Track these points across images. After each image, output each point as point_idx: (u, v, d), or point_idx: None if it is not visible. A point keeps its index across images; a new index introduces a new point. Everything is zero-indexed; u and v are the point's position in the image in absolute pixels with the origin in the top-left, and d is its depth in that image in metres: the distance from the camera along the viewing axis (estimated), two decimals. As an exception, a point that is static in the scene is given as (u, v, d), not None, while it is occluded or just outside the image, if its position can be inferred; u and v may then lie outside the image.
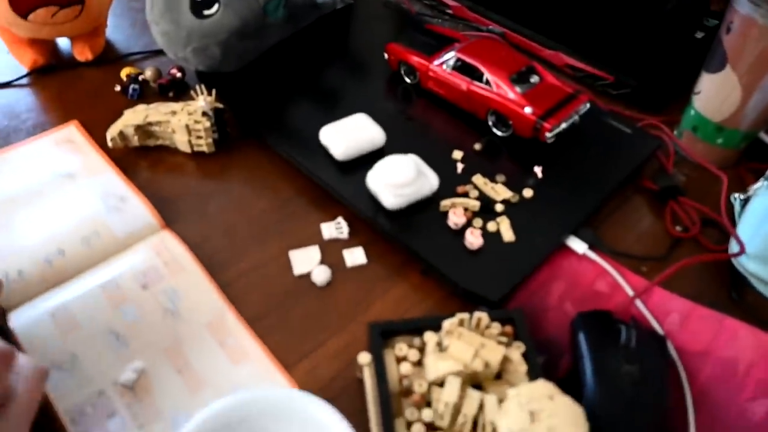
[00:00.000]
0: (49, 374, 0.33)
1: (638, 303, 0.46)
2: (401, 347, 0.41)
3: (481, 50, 0.57)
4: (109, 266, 0.46)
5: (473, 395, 0.36)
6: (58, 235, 0.47)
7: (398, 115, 0.60)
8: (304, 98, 0.61)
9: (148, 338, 0.42)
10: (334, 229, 0.51)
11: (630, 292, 0.46)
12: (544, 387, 0.35)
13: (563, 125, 0.54)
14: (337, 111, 0.57)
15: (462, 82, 0.57)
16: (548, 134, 0.53)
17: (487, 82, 0.55)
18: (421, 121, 0.59)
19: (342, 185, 0.52)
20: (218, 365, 0.41)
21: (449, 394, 0.36)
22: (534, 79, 0.56)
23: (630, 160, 0.55)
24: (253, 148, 0.58)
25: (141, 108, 0.56)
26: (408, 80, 0.63)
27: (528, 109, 0.53)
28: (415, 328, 0.42)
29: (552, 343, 0.44)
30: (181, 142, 0.56)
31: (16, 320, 0.42)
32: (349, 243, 0.50)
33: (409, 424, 0.37)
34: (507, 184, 0.52)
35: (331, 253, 0.49)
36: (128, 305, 0.43)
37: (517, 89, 0.54)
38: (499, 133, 0.57)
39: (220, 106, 0.56)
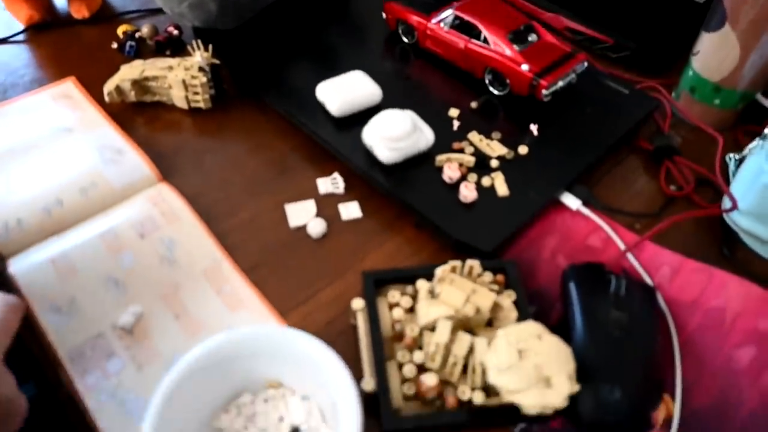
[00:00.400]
0: (23, 309, 0.34)
1: (630, 257, 0.46)
2: (394, 294, 0.42)
3: (480, 8, 0.57)
4: (106, 216, 0.46)
5: (463, 337, 0.37)
6: (56, 185, 0.48)
7: (395, 74, 0.60)
8: (301, 56, 0.60)
9: (145, 284, 0.43)
10: (330, 184, 0.51)
11: (622, 247, 0.47)
12: (532, 327, 0.36)
13: (560, 83, 0.54)
14: (334, 69, 0.57)
15: (460, 41, 0.56)
16: (545, 92, 0.52)
17: (485, 40, 0.55)
18: (418, 80, 0.59)
19: (338, 141, 0.52)
20: (215, 311, 0.42)
21: (440, 335, 0.37)
22: (532, 37, 0.56)
23: (626, 120, 0.55)
24: (250, 105, 0.58)
25: (138, 63, 0.56)
26: (406, 40, 0.62)
27: (525, 67, 0.53)
28: (407, 277, 0.43)
29: (543, 294, 0.44)
30: (178, 97, 0.56)
31: (16, 266, 0.43)
32: (345, 198, 0.51)
33: (400, 366, 0.38)
34: (502, 141, 0.52)
35: (326, 207, 0.50)
36: (126, 253, 0.44)
37: (515, 47, 0.54)
38: (495, 92, 0.57)
39: (217, 62, 0.56)
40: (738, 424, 0.37)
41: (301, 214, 0.49)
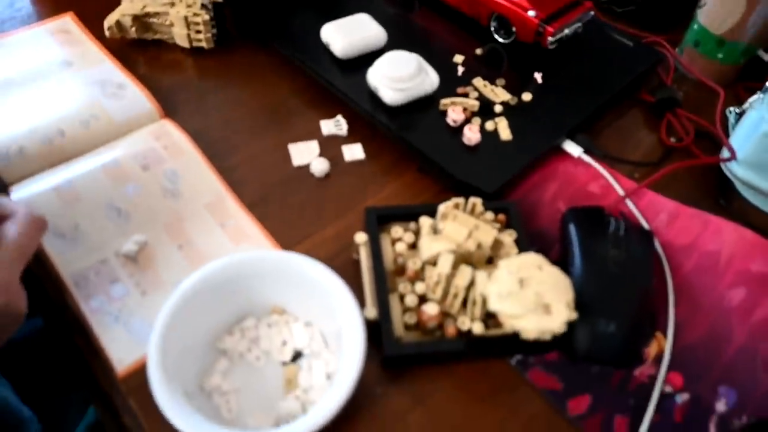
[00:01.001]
0: (47, 226, 0.34)
1: (629, 203, 0.47)
2: (396, 230, 0.42)
3: (488, -47, 0.56)
4: (109, 148, 0.46)
5: (465, 270, 0.38)
6: (57, 116, 0.47)
7: (400, 20, 0.59)
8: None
9: (149, 215, 0.43)
10: (333, 126, 0.51)
11: (621, 194, 0.47)
12: (533, 258, 0.36)
13: (566, 31, 0.53)
14: (337, 13, 0.56)
15: (467, -14, 0.56)
16: (550, 39, 0.52)
17: (492, -15, 0.54)
18: (422, 26, 0.59)
19: (342, 83, 0.51)
20: (219, 244, 0.42)
21: (442, 266, 0.37)
22: (539, -16, 0.55)
23: (629, 71, 0.55)
24: (252, 47, 0.58)
25: (138, -2, 0.55)
26: (411, -14, 0.61)
27: (531, 13, 0.53)
28: (409, 214, 0.43)
29: (543, 235, 0.45)
30: (180, 35, 0.55)
31: (19, 194, 0.43)
32: (348, 140, 0.51)
33: (402, 298, 0.39)
34: (506, 88, 0.52)
35: (329, 148, 0.50)
36: (129, 184, 0.44)
37: (522, -7, 0.53)
38: (500, 40, 0.56)
39: (219, 0, 0.55)
40: (725, 359, 0.38)
41: (304, 153, 0.49)
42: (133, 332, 0.37)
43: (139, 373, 0.36)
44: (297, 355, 0.37)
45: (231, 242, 0.42)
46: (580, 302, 0.37)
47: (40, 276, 0.40)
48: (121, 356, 0.36)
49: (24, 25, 0.57)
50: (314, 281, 0.35)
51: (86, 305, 0.38)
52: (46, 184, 0.43)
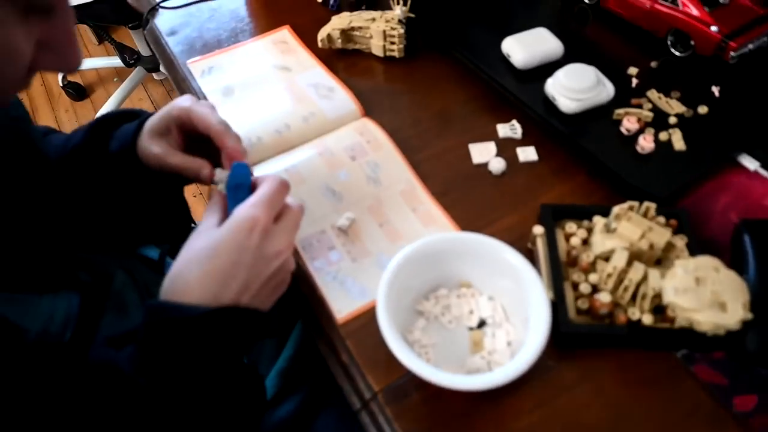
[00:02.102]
0: (288, 187, 0.42)
1: (808, 219, 0.47)
2: (570, 225, 0.47)
3: (670, -31, 0.58)
4: (324, 140, 0.56)
5: (638, 266, 0.42)
6: (284, 113, 0.58)
7: (573, 32, 0.63)
8: (482, 15, 0.66)
9: (356, 197, 0.52)
10: (509, 129, 0.57)
11: (800, 209, 0.48)
12: (710, 260, 0.39)
13: (750, 46, 0.54)
14: (513, 27, 0.62)
15: (646, 1, 0.58)
16: (733, 53, 0.53)
17: (674, 1, 0.56)
18: (596, 38, 0.62)
19: (520, 91, 0.57)
20: (412, 225, 0.50)
21: (618, 260, 0.42)
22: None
23: (818, 87, 0.54)
24: (434, 57, 0.65)
25: (346, 15, 0.65)
26: (587, 1, 0.65)
27: (714, 28, 0.54)
28: (582, 212, 0.48)
29: (712, 243, 0.47)
30: (376, 46, 0.64)
31: (258, 173, 0.54)
32: (522, 142, 0.56)
33: (574, 286, 0.44)
34: (681, 100, 0.54)
35: (504, 149, 0.56)
36: (341, 170, 0.53)
37: (705, 8, 0.55)
38: (677, 54, 0.58)
39: (412, 15, 0.63)
40: None
41: (483, 153, 0.55)
42: (347, 290, 0.46)
43: (354, 321, 0.45)
44: (481, 323, 0.43)
45: (422, 225, 0.50)
46: (755, 308, 0.39)
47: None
48: (339, 308, 0.45)
49: (252, 36, 0.70)
50: (503, 262, 0.41)
51: (311, 265, 0.48)
52: (278, 166, 0.54)
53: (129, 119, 0.50)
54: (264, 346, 0.63)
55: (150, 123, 0.47)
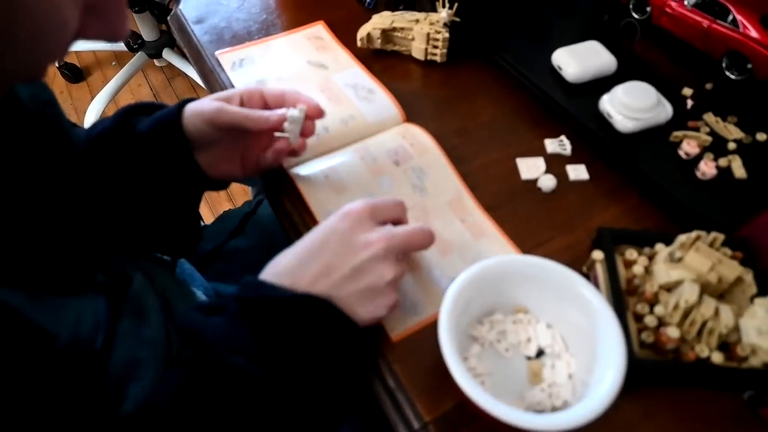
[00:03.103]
0: (433, 241, 0.42)
1: None
2: (631, 252, 0.44)
3: (730, -11, 0.56)
4: (365, 144, 0.53)
5: (709, 301, 0.39)
6: (322, 114, 0.55)
7: (623, 48, 0.61)
8: (528, 23, 0.63)
9: (401, 207, 0.49)
10: (558, 145, 0.55)
11: None
12: (794, 301, 0.37)
13: (812, 74, 0.52)
14: (558, 38, 0.59)
15: (703, 20, 0.56)
16: (794, 80, 0.52)
17: (733, 22, 0.55)
18: (646, 55, 0.60)
19: (570, 105, 0.55)
20: (461, 237, 0.47)
21: (689, 293, 0.39)
22: (784, 24, 0.55)
23: None
24: (477, 64, 0.62)
25: (387, 14, 0.62)
26: (636, 15, 0.63)
27: (776, 53, 0.52)
28: (641, 238, 0.45)
29: (775, 277, 0.45)
30: (418, 49, 0.61)
31: (297, 176, 0.51)
32: (572, 160, 0.54)
33: (638, 317, 0.41)
34: (738, 125, 0.52)
35: (553, 165, 0.53)
36: (384, 177, 0.50)
37: (766, 30, 0.53)
38: (731, 76, 0.56)
39: (458, 19, 0.61)
40: None
41: (532, 168, 0.53)
42: (399, 305, 0.43)
43: (403, 343, 0.42)
44: (540, 353, 0.41)
45: (471, 237, 0.47)
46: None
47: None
48: (392, 326, 0.42)
49: (283, 30, 0.66)
50: (573, 292, 0.39)
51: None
52: (317, 168, 0.51)
53: (159, 109, 0.48)
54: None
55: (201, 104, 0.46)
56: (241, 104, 0.47)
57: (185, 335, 0.37)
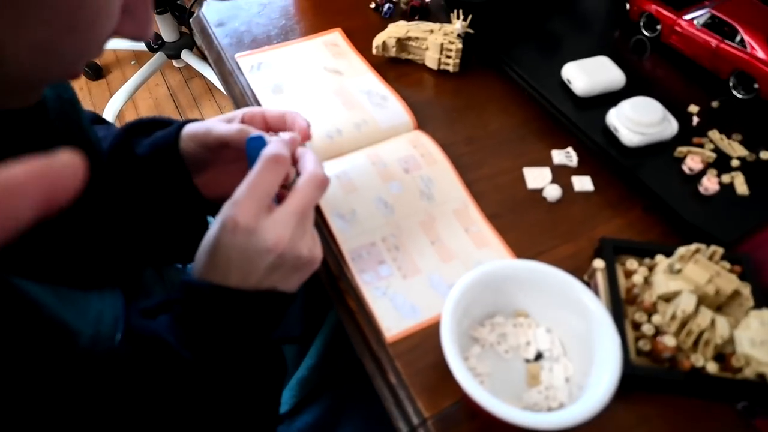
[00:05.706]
0: (328, 184, 0.40)
1: None
2: (632, 262, 0.46)
3: (739, 10, 0.58)
4: (375, 150, 0.55)
5: (706, 312, 0.40)
6: (335, 117, 0.57)
7: (632, 64, 0.62)
8: (540, 37, 0.65)
9: (408, 211, 0.50)
10: (564, 156, 0.56)
11: None
12: (787, 314, 0.38)
13: (817, 95, 0.53)
14: (569, 52, 0.61)
15: (712, 40, 0.58)
16: (799, 101, 0.53)
17: (741, 42, 0.56)
18: (654, 72, 0.62)
19: (577, 118, 0.56)
20: (464, 245, 0.49)
21: (686, 303, 0.40)
22: (791, 46, 0.56)
23: None
24: (488, 75, 0.64)
25: (403, 23, 0.64)
26: (646, 33, 0.64)
27: (782, 74, 0.53)
28: (642, 250, 0.46)
29: (773, 293, 0.46)
30: (431, 59, 0.63)
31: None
32: (577, 171, 0.55)
33: (636, 325, 0.42)
34: (743, 143, 0.53)
35: (559, 176, 0.55)
36: (394, 182, 0.52)
37: (773, 53, 0.54)
38: (738, 95, 0.57)
39: (471, 31, 0.62)
40: None
41: (538, 178, 0.54)
42: (397, 307, 0.45)
43: (404, 341, 0.43)
44: (538, 356, 0.42)
45: (474, 246, 0.49)
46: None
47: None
48: (389, 325, 0.44)
49: (301, 36, 0.68)
50: (573, 298, 0.40)
51: (360, 277, 0.46)
52: (328, 169, 0.53)
53: (160, 127, 0.49)
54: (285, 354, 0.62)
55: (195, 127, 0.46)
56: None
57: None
